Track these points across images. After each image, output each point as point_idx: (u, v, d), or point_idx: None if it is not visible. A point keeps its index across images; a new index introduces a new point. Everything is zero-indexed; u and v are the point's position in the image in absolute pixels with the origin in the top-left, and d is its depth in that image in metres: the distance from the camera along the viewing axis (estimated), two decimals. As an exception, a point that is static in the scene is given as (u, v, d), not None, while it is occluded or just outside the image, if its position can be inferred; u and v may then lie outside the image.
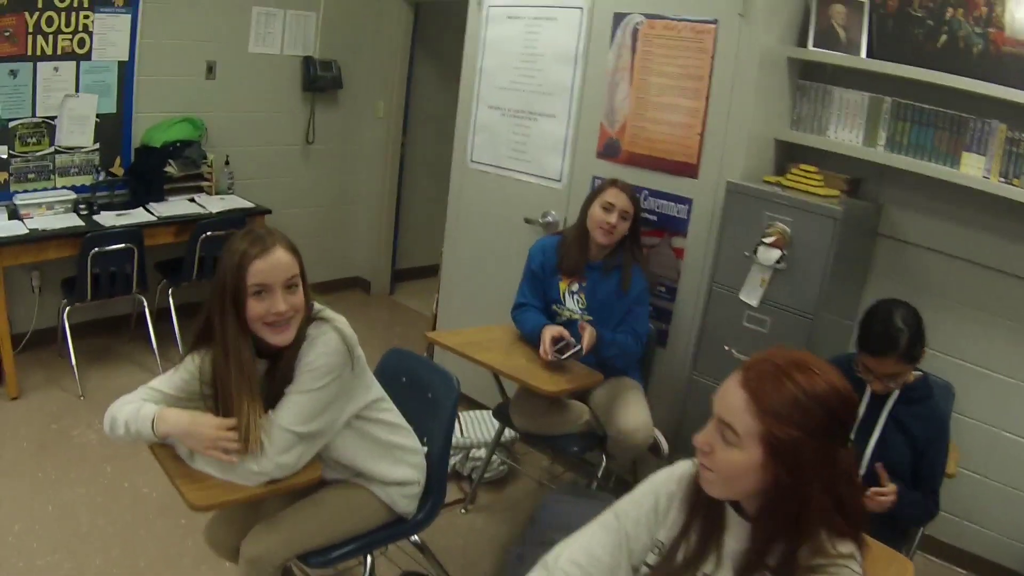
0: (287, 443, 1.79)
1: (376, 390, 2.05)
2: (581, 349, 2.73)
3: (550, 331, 2.80)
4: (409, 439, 2.16)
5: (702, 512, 1.40)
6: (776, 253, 2.77)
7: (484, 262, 3.87)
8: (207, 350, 1.88)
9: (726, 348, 2.96)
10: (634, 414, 2.82)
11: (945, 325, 3.08)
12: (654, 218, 3.25)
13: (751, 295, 2.89)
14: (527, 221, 3.62)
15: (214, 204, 4.30)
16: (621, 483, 3.40)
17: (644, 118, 3.21)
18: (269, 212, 4.52)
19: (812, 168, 3.00)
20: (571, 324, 2.96)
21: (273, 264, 1.78)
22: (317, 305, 1.95)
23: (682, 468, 1.49)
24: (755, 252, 2.83)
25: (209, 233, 4.00)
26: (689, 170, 3.13)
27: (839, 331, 3.15)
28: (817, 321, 2.79)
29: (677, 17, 3.06)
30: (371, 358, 1.98)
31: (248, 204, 4.45)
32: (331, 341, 1.85)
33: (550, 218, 3.54)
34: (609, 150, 3.34)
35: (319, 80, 5.00)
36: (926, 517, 2.31)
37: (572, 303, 2.99)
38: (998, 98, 2.77)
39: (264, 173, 4.95)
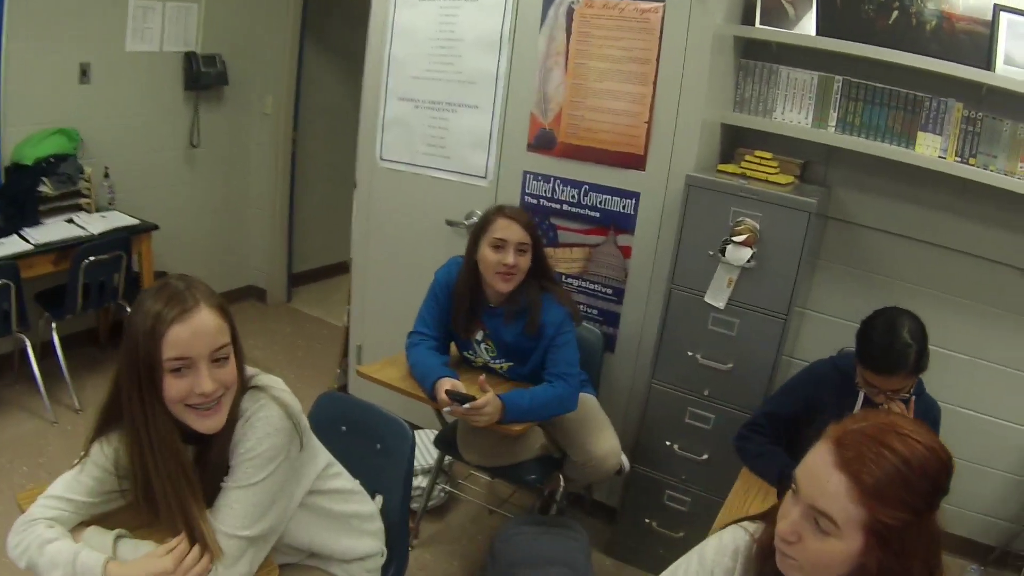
0: (236, 551, 1.45)
1: (323, 455, 1.71)
2: (475, 399, 2.35)
3: (443, 387, 2.41)
4: (365, 504, 1.83)
5: None
6: (747, 252, 2.55)
7: (401, 269, 3.52)
8: (118, 434, 1.49)
9: (690, 354, 2.75)
10: (603, 439, 2.59)
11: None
12: (596, 215, 2.99)
13: (717, 297, 2.68)
14: (449, 223, 3.30)
15: (95, 224, 3.79)
16: (576, 501, 3.18)
17: (582, 106, 2.94)
18: (156, 228, 4.04)
19: (767, 155, 2.81)
20: (488, 371, 2.68)
21: (196, 330, 1.40)
22: (250, 369, 1.58)
23: (735, 540, 1.30)
24: (722, 252, 2.61)
25: (92, 258, 3.53)
26: (635, 162, 2.88)
27: (794, 319, 3.00)
28: (790, 320, 2.61)
29: (619, -4, 2.80)
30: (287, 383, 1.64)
31: (132, 220, 3.95)
32: (272, 418, 1.49)
33: (475, 219, 3.23)
34: (542, 142, 3.06)
35: (203, 77, 4.50)
36: None
37: (482, 352, 2.69)
38: (953, 76, 2.65)
39: (147, 183, 4.44)
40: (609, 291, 3.03)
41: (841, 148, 2.88)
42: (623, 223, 2.95)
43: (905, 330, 2.09)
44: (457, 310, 2.63)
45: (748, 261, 2.56)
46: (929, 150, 2.77)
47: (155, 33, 4.28)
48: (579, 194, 3.01)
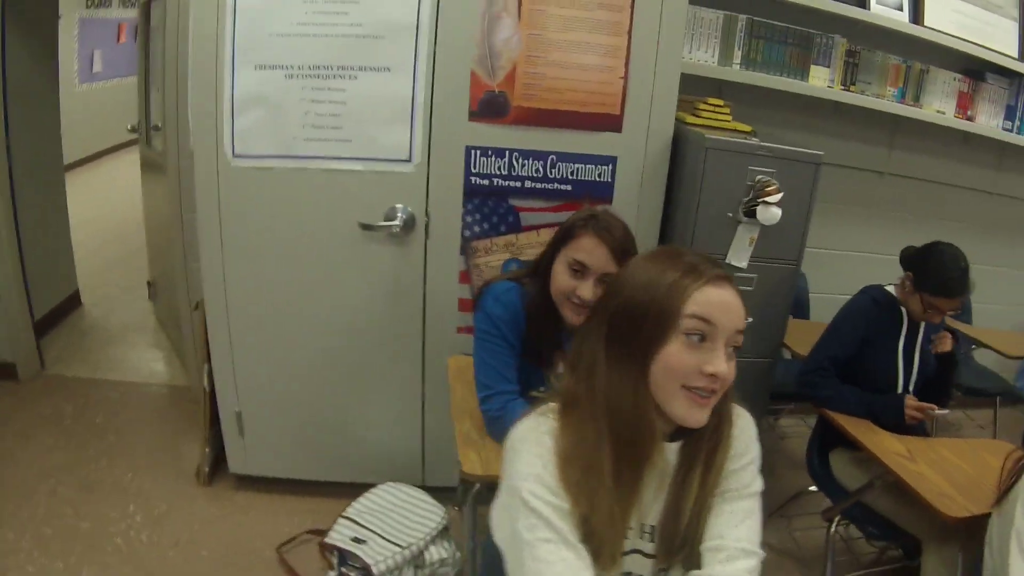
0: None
1: None
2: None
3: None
4: None
5: None
6: (778, 212, 2.49)
7: (289, 301, 2.57)
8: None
9: (712, 319, 2.63)
10: None
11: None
12: (568, 187, 2.57)
13: (740, 257, 2.58)
14: (365, 227, 2.50)
15: None
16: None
17: (544, 62, 2.44)
18: None
19: (719, 101, 2.74)
20: None
21: (728, 301, 1.19)
22: None
23: None
24: (749, 214, 2.50)
25: None
26: (611, 123, 2.53)
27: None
28: (799, 265, 2.67)
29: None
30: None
31: None
32: (754, 429, 1.35)
33: (400, 216, 2.50)
34: (490, 108, 2.46)
35: None
36: None
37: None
38: (838, 14, 2.95)
39: None
40: (587, 271, 2.68)
41: (732, 82, 2.97)
42: (599, 192, 2.60)
43: (962, 258, 2.42)
44: (535, 340, 2.05)
45: (777, 219, 2.55)
46: (820, 81, 3.03)
47: None
48: (545, 166, 2.54)
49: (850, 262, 3.56)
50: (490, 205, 2.55)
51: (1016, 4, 3.39)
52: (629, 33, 2.45)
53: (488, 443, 1.92)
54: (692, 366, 1.15)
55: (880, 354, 2.55)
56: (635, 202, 2.62)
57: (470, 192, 2.53)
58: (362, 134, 2.43)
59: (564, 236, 1.95)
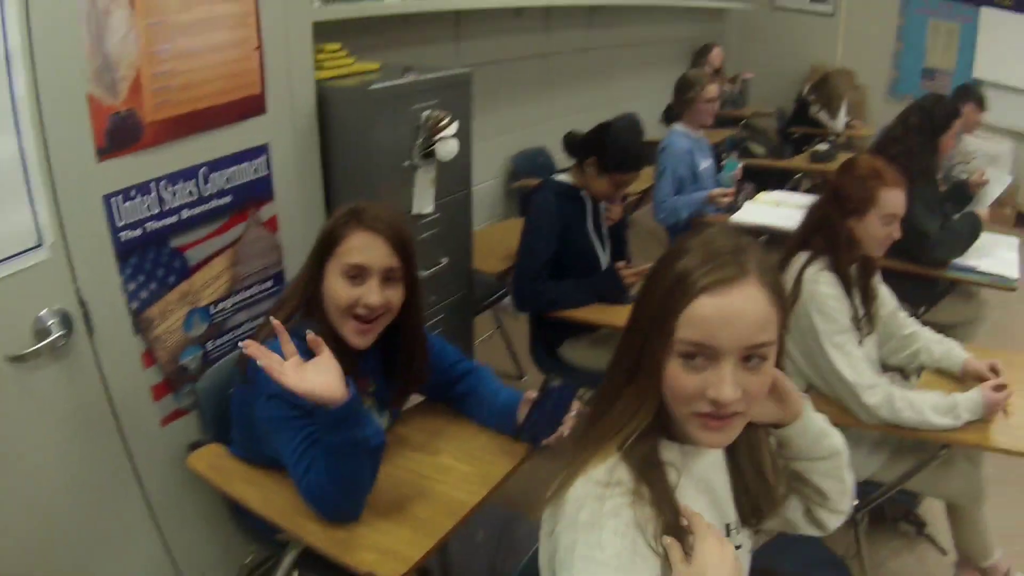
0: None
1: None
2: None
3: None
4: None
5: None
6: (456, 143, 2.34)
7: None
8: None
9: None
10: None
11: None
12: (228, 199, 2.05)
13: (426, 203, 2.44)
14: (15, 360, 1.61)
15: None
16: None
17: (170, 56, 1.80)
18: None
19: (336, 46, 2.41)
20: None
21: (731, 314, 0.98)
22: None
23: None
24: (427, 155, 2.32)
25: None
26: (254, 106, 2.06)
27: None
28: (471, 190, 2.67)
29: None
30: None
31: None
32: None
33: (52, 324, 1.67)
34: (120, 137, 1.74)
35: None
36: None
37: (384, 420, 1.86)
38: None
39: None
40: (269, 284, 2.23)
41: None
42: (260, 191, 2.15)
43: (638, 126, 2.52)
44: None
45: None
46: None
47: None
48: (198, 184, 1.97)
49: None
50: (151, 259, 1.90)
51: None
52: (255, -7, 1.95)
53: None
54: (696, 388, 0.99)
55: (577, 241, 2.62)
56: (296, 186, 2.24)
57: (124, 252, 1.83)
58: (-45, 234, 1.54)
59: (327, 244, 1.63)
